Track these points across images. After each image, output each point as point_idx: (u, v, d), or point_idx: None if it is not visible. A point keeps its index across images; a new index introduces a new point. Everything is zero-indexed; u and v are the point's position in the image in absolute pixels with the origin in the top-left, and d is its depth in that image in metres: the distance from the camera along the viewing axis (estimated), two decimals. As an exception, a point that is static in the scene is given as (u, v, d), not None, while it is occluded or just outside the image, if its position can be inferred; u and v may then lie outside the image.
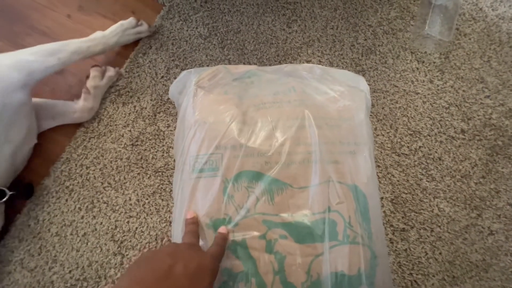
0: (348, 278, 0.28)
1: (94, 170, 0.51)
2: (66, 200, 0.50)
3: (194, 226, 0.31)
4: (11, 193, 0.43)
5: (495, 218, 0.53)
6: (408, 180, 0.54)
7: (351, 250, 0.29)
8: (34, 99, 0.50)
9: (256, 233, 0.30)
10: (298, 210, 0.30)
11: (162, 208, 0.50)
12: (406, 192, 0.53)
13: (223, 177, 0.31)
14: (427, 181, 0.54)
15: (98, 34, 0.52)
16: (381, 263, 0.31)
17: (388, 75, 0.59)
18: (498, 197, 0.54)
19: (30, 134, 0.47)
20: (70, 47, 0.48)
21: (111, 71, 0.55)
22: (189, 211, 0.32)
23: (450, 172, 0.55)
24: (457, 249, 0.51)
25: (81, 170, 0.51)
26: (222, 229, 0.31)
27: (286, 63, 0.59)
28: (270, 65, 0.58)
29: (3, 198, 0.43)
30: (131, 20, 0.55)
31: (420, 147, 0.56)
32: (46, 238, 0.48)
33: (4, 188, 0.43)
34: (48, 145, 0.53)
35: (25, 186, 0.48)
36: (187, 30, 0.59)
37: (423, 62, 0.60)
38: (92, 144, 0.53)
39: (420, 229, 0.52)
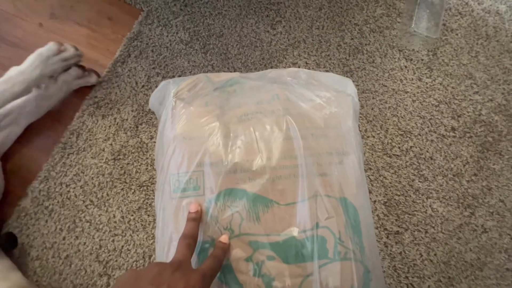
0: (341, 298, 0.27)
1: (74, 187, 0.49)
2: (46, 221, 0.47)
3: (194, 225, 0.28)
4: None
5: (488, 215, 0.52)
6: (400, 181, 0.53)
7: (342, 267, 0.28)
8: None
9: (242, 255, 0.28)
10: (285, 228, 0.28)
11: (149, 224, 0.48)
12: (398, 194, 0.52)
13: (205, 196, 0.30)
14: (419, 181, 0.53)
15: (12, 71, 0.44)
16: (375, 277, 0.30)
17: (377, 74, 0.58)
18: (490, 194, 0.53)
19: None
20: None
21: (93, 78, 0.52)
22: (193, 203, 0.29)
23: (442, 171, 0.54)
24: (452, 249, 0.50)
25: (60, 189, 0.49)
26: (223, 239, 0.28)
27: (271, 66, 0.57)
28: (255, 69, 0.56)
29: None
30: (50, 47, 0.46)
31: (411, 147, 0.55)
32: (26, 263, 0.46)
33: None
34: (23, 163, 0.50)
35: (6, 237, 0.44)
36: (167, 36, 0.57)
37: (411, 59, 0.59)
38: (71, 161, 0.50)
39: (414, 231, 0.51)
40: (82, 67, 0.51)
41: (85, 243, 0.47)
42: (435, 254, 0.50)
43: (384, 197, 0.52)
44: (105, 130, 0.52)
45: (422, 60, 0.59)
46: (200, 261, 0.29)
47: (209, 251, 0.29)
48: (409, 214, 0.52)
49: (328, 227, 0.29)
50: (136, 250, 0.47)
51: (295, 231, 0.28)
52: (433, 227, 0.51)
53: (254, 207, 0.29)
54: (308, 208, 0.29)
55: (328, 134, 0.33)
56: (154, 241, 0.48)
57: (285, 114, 0.33)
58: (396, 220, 0.51)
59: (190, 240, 0.27)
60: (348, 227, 0.29)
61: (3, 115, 0.47)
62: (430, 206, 0.52)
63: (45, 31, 0.56)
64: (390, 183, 0.53)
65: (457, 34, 0.61)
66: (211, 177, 0.30)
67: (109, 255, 0.46)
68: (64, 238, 0.47)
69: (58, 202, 0.48)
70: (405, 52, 0.60)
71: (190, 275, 0.24)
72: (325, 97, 0.36)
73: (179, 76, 0.55)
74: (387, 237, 0.50)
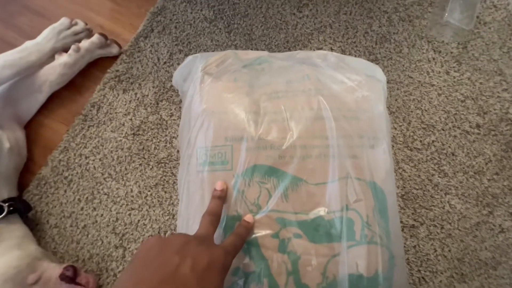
0: (366, 280, 0.27)
1: (93, 160, 0.49)
2: (65, 191, 0.48)
3: (218, 202, 0.28)
4: (9, 207, 0.40)
5: (506, 215, 0.51)
6: (419, 175, 0.52)
7: (369, 250, 0.28)
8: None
9: (268, 232, 0.28)
10: (314, 207, 0.28)
11: (165, 201, 0.48)
12: (417, 187, 0.52)
13: (234, 171, 0.29)
14: (439, 177, 0.52)
15: (29, 43, 0.47)
16: (398, 264, 0.30)
17: (403, 65, 0.56)
18: (510, 194, 0.52)
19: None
20: None
21: (115, 49, 0.52)
22: (219, 181, 0.29)
23: (463, 168, 0.53)
24: (467, 247, 0.50)
25: (80, 160, 0.49)
26: (248, 218, 0.28)
27: (295, 49, 0.56)
28: (279, 51, 0.55)
29: (1, 213, 0.39)
30: (63, 21, 0.50)
31: (433, 141, 0.54)
32: (45, 229, 0.47)
33: (1, 204, 0.39)
34: (44, 133, 0.50)
35: (23, 202, 0.44)
36: (191, 13, 0.55)
37: (440, 52, 0.57)
38: (91, 133, 0.50)
39: (430, 226, 0.50)
40: (104, 36, 0.51)
41: (102, 215, 0.47)
42: (449, 250, 0.49)
43: (402, 190, 0.51)
44: (125, 104, 0.51)
45: (452, 53, 0.57)
46: (226, 235, 0.29)
47: (234, 226, 0.29)
48: (426, 209, 0.51)
49: (356, 210, 0.28)
50: (151, 225, 0.47)
51: (323, 211, 0.28)
52: (450, 223, 0.50)
53: (283, 185, 0.29)
54: (338, 189, 0.28)
55: (360, 117, 0.32)
56: (169, 218, 0.48)
57: (317, 94, 0.32)
58: (412, 213, 0.51)
59: (213, 217, 0.27)
60: (376, 212, 0.29)
61: (28, 82, 0.47)
62: (448, 202, 0.51)
63: (70, 2, 0.55)
64: (409, 176, 0.52)
65: (490, 28, 0.59)
66: (240, 152, 0.30)
67: (125, 228, 0.47)
68: (82, 209, 0.47)
69: (77, 173, 0.49)
70: (434, 43, 0.57)
71: (214, 250, 0.25)
72: (356, 80, 0.35)
73: (202, 54, 0.54)
74: (402, 230, 0.50)
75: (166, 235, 0.47)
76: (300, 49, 0.56)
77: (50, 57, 0.49)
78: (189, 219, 0.31)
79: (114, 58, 0.53)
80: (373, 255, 0.28)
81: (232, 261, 0.26)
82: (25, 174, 0.48)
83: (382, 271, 0.28)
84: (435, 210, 0.51)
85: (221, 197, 0.29)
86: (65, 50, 0.50)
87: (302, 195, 0.29)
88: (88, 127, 0.50)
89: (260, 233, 0.28)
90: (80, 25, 0.51)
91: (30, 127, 0.50)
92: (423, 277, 0.49)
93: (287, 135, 0.30)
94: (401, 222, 0.50)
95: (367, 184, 0.29)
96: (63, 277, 0.36)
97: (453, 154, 0.53)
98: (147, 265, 0.23)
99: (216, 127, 0.31)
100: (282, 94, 0.33)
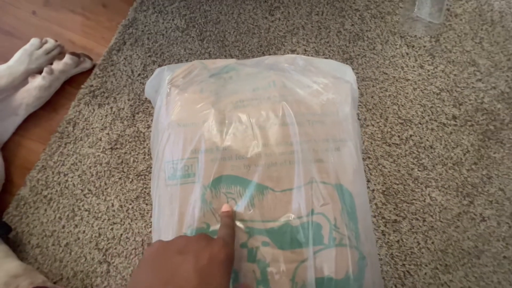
0: (335, 283, 0.27)
1: (72, 177, 0.49)
2: (45, 210, 0.48)
3: (228, 219, 0.28)
4: None
5: (487, 204, 0.52)
6: (399, 170, 0.53)
7: (337, 253, 0.28)
8: None
9: (237, 241, 0.28)
10: (280, 214, 0.28)
11: (147, 213, 0.48)
12: (397, 182, 0.52)
13: (200, 183, 0.30)
14: (418, 170, 0.53)
15: (0, 66, 0.47)
16: (370, 263, 0.30)
17: (377, 61, 0.57)
18: (490, 183, 0.53)
19: None
20: None
21: (87, 63, 0.52)
22: (225, 204, 0.29)
23: (442, 160, 0.53)
24: (449, 238, 0.50)
25: (58, 178, 0.49)
26: (224, 207, 0.28)
27: (269, 53, 0.56)
28: (252, 56, 0.55)
29: None
30: (33, 42, 0.50)
31: (411, 135, 0.54)
32: (27, 250, 0.46)
33: None
34: (21, 153, 0.50)
35: (1, 224, 0.45)
36: (163, 23, 0.55)
37: (413, 46, 0.58)
38: (68, 150, 0.50)
39: (412, 220, 0.51)
40: (76, 55, 0.50)
41: (84, 231, 0.47)
42: (432, 242, 0.50)
43: (382, 186, 0.52)
44: (101, 119, 0.51)
45: (424, 46, 0.58)
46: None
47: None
48: (408, 203, 0.51)
49: (323, 214, 0.29)
50: (135, 238, 0.47)
51: (290, 218, 0.28)
52: (432, 216, 0.51)
53: (249, 194, 0.29)
54: (304, 195, 0.28)
55: (324, 120, 0.32)
56: (152, 229, 0.48)
57: (281, 100, 0.33)
58: (394, 208, 0.51)
59: (227, 226, 0.27)
60: (343, 214, 0.29)
61: (3, 105, 0.47)
62: (429, 195, 0.52)
63: (39, 19, 0.55)
64: (389, 172, 0.52)
65: (461, 20, 0.59)
66: (205, 164, 0.30)
67: (108, 243, 0.47)
68: (63, 227, 0.47)
69: (56, 191, 0.48)
70: (407, 38, 0.58)
71: (213, 244, 0.25)
72: (323, 84, 0.35)
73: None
74: (385, 226, 0.50)
75: (149, 247, 0.47)
76: (274, 52, 0.56)
77: (24, 79, 0.49)
78: (161, 233, 0.31)
79: (88, 73, 0.53)
80: (343, 257, 0.28)
81: (234, 250, 0.25)
82: (3, 196, 0.48)
83: (352, 273, 0.28)
84: (416, 203, 0.51)
85: (229, 216, 0.28)
86: (40, 71, 0.50)
87: (268, 203, 0.29)
88: (65, 144, 0.50)
89: (229, 243, 0.28)
90: (51, 42, 0.51)
91: (7, 148, 0.50)
92: (407, 271, 0.49)
93: (252, 143, 0.30)
94: (383, 217, 0.51)
95: (333, 187, 0.30)
96: None
97: (431, 147, 0.54)
98: (151, 269, 0.23)
99: (181, 140, 0.31)
100: (247, 102, 0.33)
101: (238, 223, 0.29)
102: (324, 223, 0.28)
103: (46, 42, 0.51)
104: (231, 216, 0.28)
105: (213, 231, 0.29)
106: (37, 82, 0.48)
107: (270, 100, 0.33)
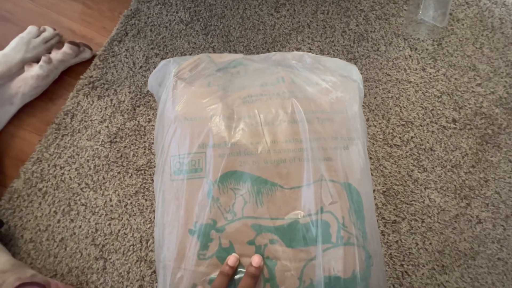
0: (342, 281, 0.27)
1: (69, 170, 0.48)
2: (40, 204, 0.46)
3: (223, 280, 0.26)
4: None
5: (483, 207, 0.53)
6: (400, 171, 0.53)
7: (345, 252, 0.28)
8: None
9: (245, 238, 0.28)
10: (289, 212, 0.28)
11: (146, 209, 0.47)
12: (397, 183, 0.53)
13: (207, 179, 0.29)
14: (418, 172, 0.53)
15: None
16: (376, 262, 0.30)
17: (381, 63, 0.57)
18: (486, 186, 0.54)
19: None
20: None
21: (87, 53, 0.50)
22: (232, 256, 0.27)
23: (441, 162, 0.54)
24: (447, 239, 0.51)
25: (54, 171, 0.47)
26: (255, 262, 0.26)
27: (274, 50, 0.55)
28: (257, 53, 0.55)
29: None
30: (30, 30, 0.48)
31: (412, 137, 0.55)
32: (19, 245, 0.45)
33: None
34: (15, 144, 0.48)
35: None
36: (166, 15, 0.54)
37: (416, 49, 0.58)
38: (65, 142, 0.48)
39: (411, 221, 0.51)
40: (76, 44, 0.49)
41: (80, 226, 0.46)
42: (430, 243, 0.51)
43: (383, 186, 0.52)
44: (101, 111, 0.50)
45: (427, 49, 0.58)
46: (202, 244, 0.28)
47: (210, 234, 0.28)
48: (407, 204, 0.52)
49: (332, 212, 0.28)
50: (133, 234, 0.46)
51: (299, 215, 0.28)
52: (430, 217, 0.52)
53: (257, 190, 0.28)
54: (313, 193, 0.28)
55: (334, 118, 0.32)
56: (151, 226, 0.47)
57: (291, 97, 0.32)
58: (394, 209, 0.51)
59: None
60: (351, 213, 0.29)
61: None
62: (428, 196, 0.53)
63: (37, 5, 0.53)
64: (390, 172, 0.53)
65: (463, 25, 0.60)
66: (213, 159, 0.29)
67: (105, 239, 0.46)
68: (59, 221, 0.46)
69: (52, 184, 0.47)
70: (410, 41, 0.58)
71: None
72: (331, 82, 0.35)
73: (179, 58, 0.53)
74: (385, 226, 0.51)
75: (148, 244, 0.46)
76: (279, 49, 0.55)
77: (20, 68, 0.47)
78: (165, 229, 0.30)
79: (87, 63, 0.52)
80: (350, 256, 0.28)
81: None
82: (-5, 188, 0.46)
83: (359, 272, 0.28)
84: (415, 204, 0.52)
85: (228, 275, 0.26)
86: (37, 60, 0.48)
87: (277, 200, 0.28)
88: (62, 136, 0.49)
89: (236, 240, 0.28)
90: (49, 31, 0.49)
91: (0, 138, 0.48)
92: (405, 271, 0.50)
93: (261, 139, 0.30)
94: (383, 218, 0.51)
95: (342, 185, 0.29)
96: None
97: (431, 149, 0.55)
98: None
99: (188, 134, 0.30)
100: (256, 97, 0.33)
101: (246, 220, 0.28)
102: (332, 222, 0.28)
103: (44, 30, 0.49)
104: (257, 277, 0.26)
105: (219, 227, 0.28)
106: (34, 71, 0.46)
107: (279, 96, 0.33)
